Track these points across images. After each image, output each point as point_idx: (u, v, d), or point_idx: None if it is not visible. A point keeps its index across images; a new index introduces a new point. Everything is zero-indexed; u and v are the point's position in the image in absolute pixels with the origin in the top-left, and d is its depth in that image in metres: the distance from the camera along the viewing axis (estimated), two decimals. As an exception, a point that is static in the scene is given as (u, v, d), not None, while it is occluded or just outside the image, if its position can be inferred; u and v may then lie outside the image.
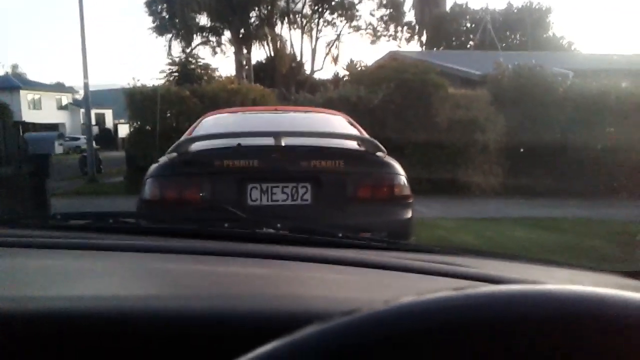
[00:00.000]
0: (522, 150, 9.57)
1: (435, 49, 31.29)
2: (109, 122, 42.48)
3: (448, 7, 34.57)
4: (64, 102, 45.68)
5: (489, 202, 8.97)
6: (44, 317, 0.59)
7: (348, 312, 0.39)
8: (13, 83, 40.62)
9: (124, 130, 28.09)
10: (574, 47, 32.26)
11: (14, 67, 61.33)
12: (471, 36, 32.89)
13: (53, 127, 36.70)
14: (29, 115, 36.28)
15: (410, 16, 34.24)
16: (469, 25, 34.20)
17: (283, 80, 27.37)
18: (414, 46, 34.22)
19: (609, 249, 5.44)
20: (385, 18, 32.76)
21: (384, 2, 32.04)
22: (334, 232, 1.16)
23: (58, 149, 26.16)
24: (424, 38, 34.50)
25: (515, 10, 33.18)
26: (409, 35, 34.52)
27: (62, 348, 0.57)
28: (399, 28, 33.68)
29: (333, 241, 1.10)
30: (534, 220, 7.21)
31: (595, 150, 9.53)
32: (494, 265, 1.05)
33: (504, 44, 28.97)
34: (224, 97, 10.82)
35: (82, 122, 35.73)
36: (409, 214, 3.13)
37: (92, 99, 15.26)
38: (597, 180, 9.18)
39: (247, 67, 28.14)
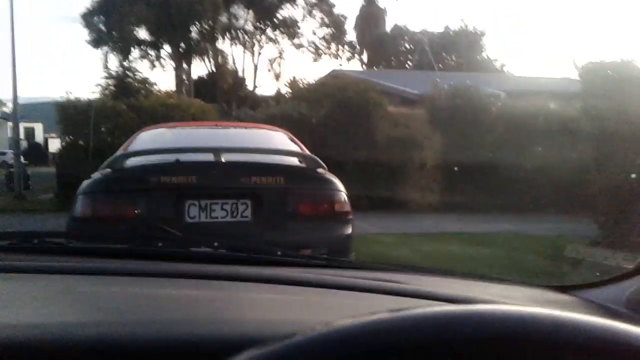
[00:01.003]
0: (456, 168, 9.90)
1: (375, 68, 32.05)
2: (39, 136, 40.65)
3: (388, 28, 35.63)
4: (-9, 115, 43.39)
5: (426, 218, 9.18)
6: None
7: (283, 337, 0.37)
8: None
9: (55, 145, 26.94)
10: (506, 69, 33.92)
11: None
12: (410, 56, 33.98)
13: (-23, 141, 34.70)
14: (-50, 129, 34.20)
15: (351, 36, 35.00)
16: (408, 46, 35.35)
17: (224, 96, 27.17)
18: (355, 65, 34.98)
19: (539, 263, 5.70)
20: (327, 37, 33.27)
21: (326, 21, 32.56)
22: (272, 250, 1.14)
23: (-18, 164, 24.73)
24: (364, 57, 35.32)
25: (452, 33, 34.62)
26: (350, 54, 35.25)
27: None
28: (341, 47, 34.30)
29: (272, 259, 1.08)
30: (469, 235, 7.44)
31: (525, 168, 9.99)
32: (431, 281, 1.06)
33: (440, 65, 30.04)
34: (162, 111, 10.60)
35: (9, 135, 34.02)
36: (349, 230, 3.14)
37: (21, 112, 14.58)
38: (527, 197, 9.61)
39: (187, 82, 27.78)
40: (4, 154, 29.93)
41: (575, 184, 8.43)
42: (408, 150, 10.08)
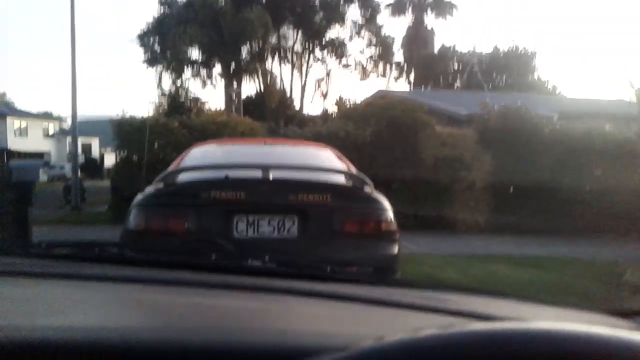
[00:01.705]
0: (506, 189, 9.67)
1: (423, 88, 31.87)
2: (95, 151, 42.34)
3: (436, 48, 35.42)
4: (51, 130, 45.53)
5: (475, 239, 8.99)
6: (29, 346, 0.57)
7: (341, 348, 0.38)
8: (0, 111, 40.47)
9: (110, 160, 27.99)
10: (558, 91, 33.06)
11: (2, 95, 61.20)
12: (458, 77, 33.63)
13: (39, 155, 36.49)
14: (14, 143, 36.11)
15: (399, 56, 35.00)
16: (456, 66, 35.00)
17: (272, 115, 27.58)
18: (402, 85, 34.90)
19: (594, 289, 5.45)
20: (374, 57, 33.39)
21: (374, 42, 32.71)
22: (322, 266, 1.15)
23: (43, 177, 25.92)
24: (412, 77, 35.19)
25: (502, 54, 34.08)
26: (398, 74, 35.21)
27: None
28: (388, 67, 34.34)
29: (321, 275, 1.09)
30: (519, 259, 7.22)
31: (579, 191, 9.66)
32: (482, 302, 1.04)
33: (490, 85, 29.58)
34: (212, 129, 10.85)
35: (68, 150, 35.57)
36: (396, 250, 3.11)
37: (79, 128, 15.23)
38: (581, 220, 9.26)
39: (236, 100, 28.36)
40: (62, 167, 31.30)
41: (632, 207, 8.08)
42: (456, 170, 9.93)
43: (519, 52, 33.98)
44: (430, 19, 34.67)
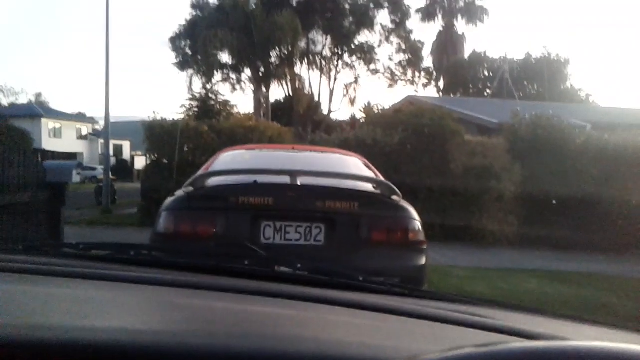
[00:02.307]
0: (537, 201, 9.49)
1: (452, 95, 31.60)
2: (126, 154, 43.11)
3: (467, 54, 35.08)
4: (84, 132, 46.56)
5: (503, 252, 8.84)
6: (65, 347, 0.58)
7: None
8: (35, 111, 41.57)
9: (140, 162, 28.45)
10: (592, 100, 32.38)
11: (38, 95, 62.90)
12: (488, 84, 33.22)
13: (72, 156, 37.28)
14: (49, 144, 36.99)
15: (428, 62, 34.79)
16: (486, 73, 34.59)
17: (300, 120, 27.71)
18: (431, 91, 34.65)
19: (631, 307, 5.29)
20: (403, 63, 33.25)
21: (403, 47, 32.58)
22: (354, 275, 1.14)
23: (75, 178, 26.48)
24: (441, 84, 34.92)
25: (534, 61, 33.55)
26: (427, 80, 34.99)
27: None
28: (417, 73, 34.15)
29: (353, 285, 1.08)
30: (549, 273, 7.07)
31: (613, 204, 9.41)
32: (517, 318, 1.02)
33: (521, 94, 29.16)
34: (241, 133, 10.94)
35: (100, 152, 36.32)
36: (423, 260, 3.08)
37: (111, 130, 15.53)
38: (614, 235, 9.03)
39: (265, 105, 28.57)
40: (94, 169, 31.95)
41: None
42: (485, 181, 9.78)
43: (551, 59, 33.40)
44: (461, 25, 34.41)
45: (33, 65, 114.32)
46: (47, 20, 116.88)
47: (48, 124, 41.93)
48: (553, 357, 0.38)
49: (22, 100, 54.72)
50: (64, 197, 6.44)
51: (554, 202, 9.34)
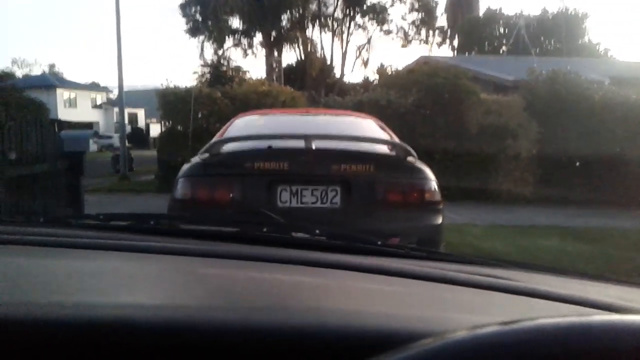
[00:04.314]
0: (553, 158, 9.39)
1: (467, 54, 30.96)
2: (141, 122, 43.29)
3: (481, 11, 34.20)
4: (98, 101, 46.74)
5: (520, 209, 8.81)
6: (89, 325, 0.58)
7: (431, 334, 0.38)
8: (50, 82, 41.72)
9: (155, 130, 28.58)
10: (611, 54, 31.51)
11: (51, 66, 63.10)
12: (504, 41, 32.45)
13: (87, 125, 37.59)
14: (64, 114, 37.24)
15: (442, 20, 34.02)
16: (502, 30, 33.73)
17: (313, 83, 27.47)
18: (446, 51, 33.99)
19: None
20: (416, 22, 32.57)
21: (416, 6, 31.88)
22: (373, 239, 1.15)
23: (92, 147, 26.75)
24: (455, 43, 34.20)
25: (550, 16, 32.60)
26: (441, 39, 34.29)
27: (105, 357, 0.56)
28: (431, 32, 33.46)
29: (373, 249, 1.09)
30: (566, 230, 7.05)
31: (631, 160, 9.28)
32: (544, 279, 1.01)
33: (537, 50, 28.45)
34: (254, 99, 10.90)
35: (115, 121, 36.49)
36: (439, 220, 3.09)
37: (125, 98, 15.57)
38: (633, 191, 8.94)
39: (277, 69, 28.33)
40: (110, 137, 32.18)
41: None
42: (501, 139, 9.68)
43: (568, 13, 32.43)
44: (475, -20, 33.42)
45: (46, 37, 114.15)
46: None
47: (63, 94, 42.13)
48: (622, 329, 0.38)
49: (36, 71, 55.05)
50: (82, 166, 6.52)
51: (574, 159, 9.24)
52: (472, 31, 32.34)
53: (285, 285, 0.81)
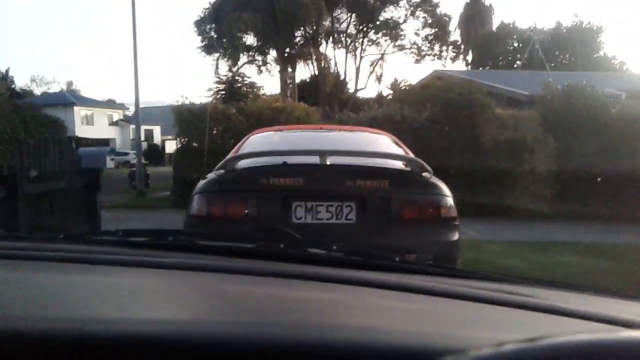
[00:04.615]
0: (570, 174, 9.28)
1: (481, 68, 30.92)
2: (157, 138, 43.69)
3: (495, 26, 34.23)
4: (115, 118, 47.32)
5: (537, 226, 8.70)
6: (112, 340, 0.58)
7: (454, 351, 0.37)
8: (68, 99, 42.38)
9: (171, 146, 28.81)
10: (626, 68, 31.28)
11: (69, 84, 64.06)
12: (518, 56, 32.37)
13: (104, 142, 38.04)
14: (82, 131, 37.76)
15: (455, 35, 34.07)
16: (516, 44, 33.74)
17: (327, 99, 27.58)
18: (459, 65, 34.01)
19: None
20: (430, 37, 32.63)
21: (429, 21, 31.95)
22: (390, 255, 1.14)
23: (109, 164, 27.05)
24: (469, 57, 34.21)
25: (565, 30, 32.54)
26: (454, 54, 34.32)
27: None
28: (444, 47, 33.49)
29: (390, 265, 1.08)
30: (585, 246, 6.94)
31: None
32: (564, 296, 1.00)
33: (552, 64, 28.34)
34: (268, 115, 10.97)
35: (131, 137, 36.93)
36: (456, 236, 3.07)
37: (141, 115, 15.76)
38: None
39: (291, 85, 28.51)
40: (126, 154, 32.54)
41: None
42: (517, 154, 9.60)
43: (583, 27, 32.31)
44: (488, -5, 33.48)
45: (63, 55, 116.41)
46: (76, 10, 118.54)
47: (80, 112, 42.73)
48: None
49: (54, 89, 55.96)
50: (99, 182, 6.60)
51: (591, 174, 9.12)
52: (486, 46, 32.36)
53: (305, 302, 0.80)
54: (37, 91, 52.49)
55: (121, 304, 0.75)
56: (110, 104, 50.70)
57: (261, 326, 0.65)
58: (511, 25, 34.18)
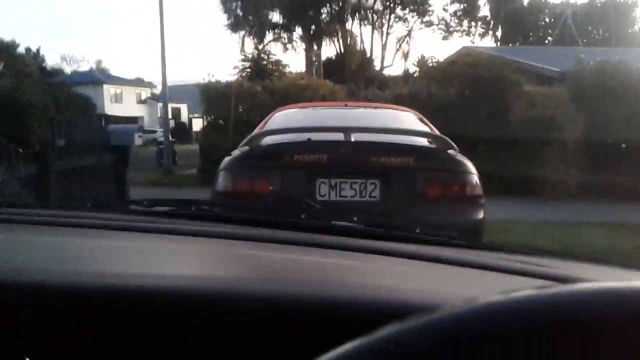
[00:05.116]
0: (602, 152, 9.07)
1: (510, 44, 30.20)
2: (184, 116, 44.09)
3: (525, 1, 33.28)
4: (143, 96, 47.84)
5: (566, 205, 8.54)
6: (139, 293, 0.62)
7: (428, 311, 0.37)
8: (97, 78, 42.98)
9: (198, 124, 29.10)
10: (663, 43, 30.15)
11: (98, 62, 64.85)
12: (550, 31, 31.49)
13: (132, 120, 38.53)
14: (110, 109, 38.30)
15: (485, 11, 33.25)
16: (547, 19, 32.79)
17: (352, 77, 27.35)
18: (488, 42, 33.20)
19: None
20: (458, 13, 31.92)
21: (458, -4, 31.24)
22: (410, 227, 1.14)
23: (137, 141, 27.42)
24: (499, 33, 33.40)
25: (599, 4, 31.44)
26: (483, 30, 33.51)
27: (154, 325, 0.59)
28: (473, 23, 32.72)
29: (410, 237, 1.08)
30: (615, 226, 6.80)
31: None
32: (584, 268, 0.99)
33: (585, 40, 27.53)
34: (294, 92, 10.95)
35: (159, 115, 37.35)
36: (481, 215, 3.04)
37: (169, 94, 15.89)
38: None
39: (317, 63, 28.35)
40: (154, 132, 32.93)
41: None
42: (546, 132, 9.38)
43: (617, 2, 31.18)
44: (520, -31, 32.48)
45: (93, 34, 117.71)
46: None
47: (109, 90, 43.31)
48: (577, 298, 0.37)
49: (84, 67, 56.69)
50: (127, 159, 6.73)
51: (623, 153, 8.90)
52: (516, 21, 31.54)
53: (322, 265, 0.82)
54: (67, 70, 53.22)
55: (144, 262, 0.79)
56: (138, 82, 51.17)
57: (278, 282, 0.67)
58: (543, 0, 33.18)
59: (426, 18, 31.36)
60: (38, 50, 49.91)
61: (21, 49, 40.80)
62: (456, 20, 32.13)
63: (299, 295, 0.61)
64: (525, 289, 0.39)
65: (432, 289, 0.71)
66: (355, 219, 1.16)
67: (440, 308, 0.37)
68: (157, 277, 0.67)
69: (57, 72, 44.00)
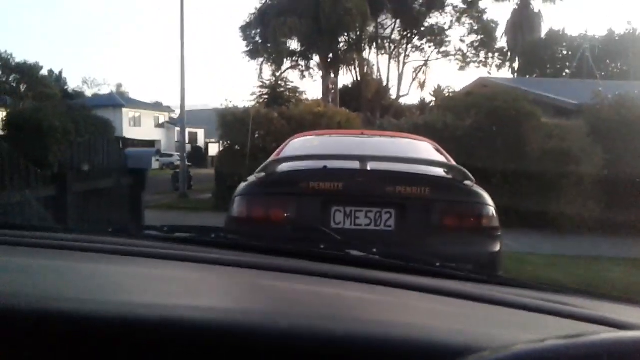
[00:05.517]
0: (620, 186, 8.94)
1: (528, 76, 30.22)
2: (201, 141, 44.52)
3: (543, 33, 33.40)
4: (161, 120, 48.47)
5: (583, 239, 8.42)
6: (156, 324, 0.61)
7: (484, 349, 0.37)
8: (117, 101, 43.71)
9: (214, 149, 29.35)
10: (683, 77, 29.96)
11: (119, 85, 66.08)
12: (567, 64, 31.51)
13: (150, 143, 39.01)
14: (129, 132, 38.86)
15: (502, 42, 33.38)
16: (565, 52, 32.85)
17: (368, 105, 27.50)
18: (505, 73, 33.25)
19: None
20: (475, 44, 32.07)
21: (475, 28, 31.41)
22: (430, 260, 1.13)
23: (154, 165, 27.69)
24: (516, 65, 33.48)
25: (617, 37, 31.46)
26: (500, 61, 33.58)
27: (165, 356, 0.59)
28: (490, 54, 32.83)
29: (431, 270, 1.07)
30: (633, 261, 6.67)
31: None
32: (609, 307, 0.97)
33: (603, 73, 27.47)
34: (310, 119, 11.03)
35: (176, 139, 37.77)
36: (497, 247, 3.00)
37: (186, 118, 16.09)
38: None
39: (333, 90, 28.56)
40: (171, 156, 33.27)
41: None
42: (563, 165, 9.31)
43: (636, 35, 31.16)
44: (537, 2, 32.60)
45: (114, 57, 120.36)
46: (127, 15, 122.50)
47: (128, 113, 43.98)
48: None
49: (104, 90, 57.80)
50: (144, 182, 6.77)
51: (619, 187, 8.77)
52: (534, 53, 31.64)
53: (347, 299, 0.81)
54: (88, 92, 54.36)
55: (167, 292, 0.78)
56: (157, 106, 51.95)
57: (307, 317, 0.66)
58: (560, 33, 33.30)
59: (443, 48, 31.59)
60: (60, 72, 51.19)
61: (44, 72, 41.82)
62: (473, 51, 32.28)
63: (325, 332, 0.60)
64: (548, 329, 0.39)
65: (461, 328, 0.69)
66: (374, 250, 1.15)
67: (498, 349, 0.37)
68: (180, 308, 0.67)
69: (79, 94, 44.91)
